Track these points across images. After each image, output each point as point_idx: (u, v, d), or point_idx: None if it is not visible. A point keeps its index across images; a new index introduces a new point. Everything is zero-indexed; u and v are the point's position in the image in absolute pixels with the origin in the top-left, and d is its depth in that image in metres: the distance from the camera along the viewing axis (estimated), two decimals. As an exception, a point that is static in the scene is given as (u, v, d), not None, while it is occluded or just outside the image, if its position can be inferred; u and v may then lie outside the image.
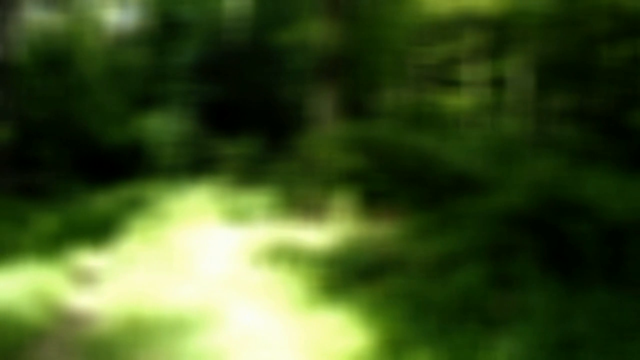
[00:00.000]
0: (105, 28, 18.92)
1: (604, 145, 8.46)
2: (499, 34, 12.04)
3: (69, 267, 8.32)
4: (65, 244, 9.16)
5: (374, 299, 6.51)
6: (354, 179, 10.20)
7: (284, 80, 17.65)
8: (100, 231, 10.25)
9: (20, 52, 15.08)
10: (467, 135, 10.50)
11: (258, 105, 17.96)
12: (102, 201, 12.48)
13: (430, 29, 13.21)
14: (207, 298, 6.55)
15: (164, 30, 18.53)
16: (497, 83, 12.38)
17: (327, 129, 12.93)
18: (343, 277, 7.19)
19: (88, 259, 9.00)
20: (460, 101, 12.32)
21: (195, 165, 16.00)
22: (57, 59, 15.89)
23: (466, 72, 13.05)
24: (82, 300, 7.32)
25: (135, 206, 11.50)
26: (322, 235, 9.06)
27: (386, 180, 10.04)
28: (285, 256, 8.05)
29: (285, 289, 6.93)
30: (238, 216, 10.70)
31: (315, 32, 13.85)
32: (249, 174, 14.31)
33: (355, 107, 13.80)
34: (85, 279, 8.13)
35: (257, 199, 11.50)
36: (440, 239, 7.97)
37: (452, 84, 13.12)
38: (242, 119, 17.68)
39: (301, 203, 10.70)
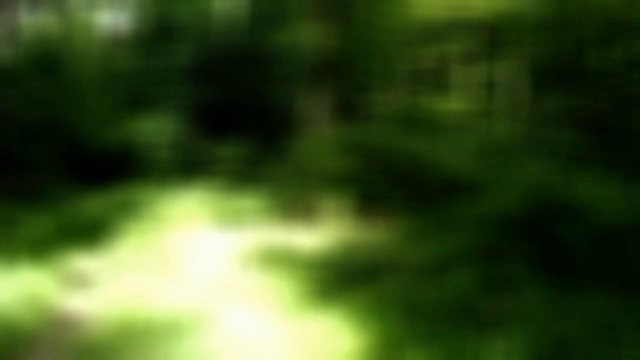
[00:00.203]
0: (98, 30, 18.83)
1: (597, 148, 8.48)
2: (491, 36, 12.07)
3: (61, 270, 8.26)
4: (56, 247, 9.09)
5: (367, 302, 6.50)
6: (348, 182, 10.20)
7: (276, 82, 17.63)
8: (92, 234, 10.18)
9: (11, 54, 15.00)
10: (460, 138, 10.50)
11: (250, 108, 17.91)
12: (94, 204, 12.40)
13: (423, 31, 13.21)
14: (200, 302, 6.52)
15: (156, 33, 18.48)
16: (490, 86, 12.41)
17: (321, 132, 12.92)
18: (336, 281, 7.19)
19: (80, 262, 8.94)
20: (453, 104, 12.34)
21: (187, 168, 15.95)
22: (48, 61, 15.81)
23: (459, 75, 13.07)
24: (74, 303, 7.26)
25: (128, 209, 11.44)
26: (315, 237, 9.05)
27: (380, 183, 10.04)
28: (278, 259, 8.04)
29: (278, 292, 6.91)
30: (231, 219, 10.67)
31: (309, 34, 13.84)
32: (242, 176, 14.28)
33: (348, 110, 13.80)
34: (77, 282, 8.08)
35: (250, 202, 11.48)
36: (433, 242, 7.99)
37: (445, 86, 13.13)
38: (234, 121, 17.63)
39: (295, 205, 10.68)
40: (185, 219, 10.48)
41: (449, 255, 7.43)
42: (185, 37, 18.40)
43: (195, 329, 5.80)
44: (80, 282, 8.09)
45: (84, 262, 8.97)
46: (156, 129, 16.49)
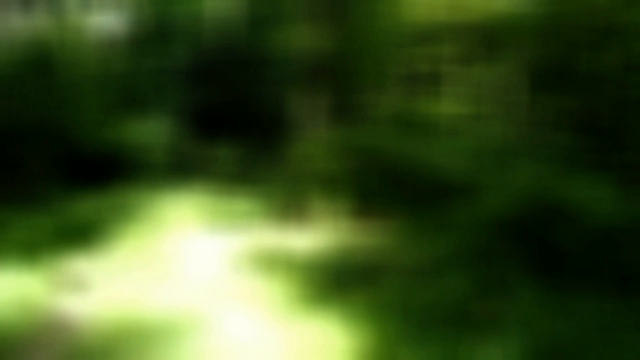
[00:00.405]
0: (93, 32, 18.77)
1: (592, 151, 8.50)
2: (487, 39, 12.08)
3: (55, 273, 8.22)
4: (50, 250, 9.05)
5: (362, 304, 6.49)
6: (344, 184, 10.19)
7: (271, 84, 17.61)
8: (86, 236, 10.13)
9: (4, 56, 14.92)
10: (456, 140, 10.51)
11: (245, 110, 17.88)
12: (88, 206, 12.33)
13: (419, 34, 13.21)
14: (196, 304, 6.51)
15: (151, 35, 18.43)
16: (486, 88, 12.41)
17: (316, 134, 12.91)
18: (331, 283, 7.17)
19: (74, 264, 8.89)
20: (448, 107, 12.34)
21: (182, 170, 15.90)
22: (41, 63, 15.75)
23: (455, 78, 13.07)
24: (68, 306, 7.22)
25: (122, 211, 11.40)
26: (311, 240, 9.04)
27: (375, 186, 10.03)
28: (273, 262, 8.02)
29: (274, 294, 6.90)
30: (226, 221, 10.64)
31: (304, 36, 13.83)
32: (237, 178, 14.25)
33: (344, 112, 13.79)
34: (71, 284, 8.03)
35: (245, 204, 11.45)
36: (428, 245, 7.98)
37: (440, 89, 13.13)
38: (229, 123, 17.60)
39: (290, 208, 10.67)
40: (180, 221, 10.44)
41: (444, 258, 7.43)
42: (180, 39, 18.36)
43: (191, 332, 5.79)
44: (74, 284, 8.04)
45: (78, 264, 8.92)
46: (151, 131, 16.43)
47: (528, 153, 9.25)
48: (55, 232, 10.16)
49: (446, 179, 9.40)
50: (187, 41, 18.55)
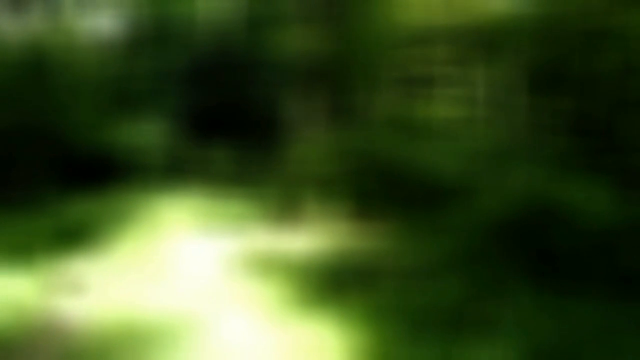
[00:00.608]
0: (87, 33, 18.73)
1: (588, 154, 8.52)
2: (483, 41, 12.11)
3: (49, 276, 8.18)
4: (44, 252, 9.01)
5: (358, 307, 6.49)
6: (340, 187, 10.19)
7: (267, 86, 17.61)
8: (80, 239, 10.09)
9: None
10: (452, 143, 10.52)
11: (241, 112, 17.87)
12: (82, 208, 12.30)
13: (415, 36, 13.24)
14: (191, 307, 6.49)
15: (146, 37, 18.40)
16: (482, 91, 12.44)
17: (312, 136, 12.91)
18: (326, 286, 7.17)
19: (69, 267, 8.85)
20: (444, 110, 12.35)
21: (178, 172, 15.88)
22: (33, 65, 15.71)
23: (451, 80, 13.09)
24: (63, 309, 7.18)
25: (117, 214, 11.36)
26: (306, 242, 9.03)
27: (372, 188, 10.03)
28: (269, 264, 8.01)
29: (269, 297, 6.88)
30: (222, 223, 10.62)
31: (300, 39, 13.84)
32: (233, 181, 14.24)
33: (340, 114, 13.79)
34: (66, 288, 7.99)
35: (241, 206, 11.43)
36: (424, 248, 7.99)
37: (437, 92, 13.15)
38: (224, 125, 17.59)
39: (286, 210, 10.66)
40: (176, 223, 10.42)
41: (440, 260, 7.43)
42: (177, 41, 18.35)
43: (187, 334, 5.76)
44: (70, 287, 8.00)
45: (74, 267, 8.88)
46: (147, 133, 16.41)
47: (525, 155, 9.26)
48: (50, 235, 10.13)
49: (443, 182, 9.41)
50: (183, 43, 18.55)
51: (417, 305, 6.48)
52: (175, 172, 15.96)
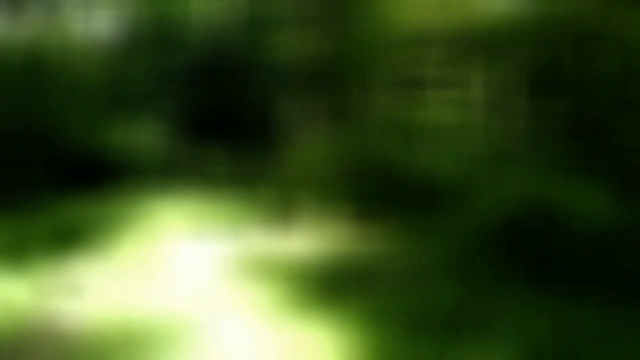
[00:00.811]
0: (82, 34, 18.73)
1: (585, 157, 8.52)
2: (481, 44, 12.11)
3: (42, 278, 8.12)
4: (37, 254, 8.97)
5: (352, 311, 6.49)
6: (338, 190, 10.19)
7: (263, 88, 17.62)
8: (75, 241, 10.06)
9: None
10: (450, 145, 10.54)
11: (238, 113, 17.89)
12: (77, 210, 12.26)
13: (413, 38, 13.25)
14: (188, 310, 6.49)
15: (143, 38, 18.41)
16: (480, 94, 12.44)
17: (310, 139, 12.91)
18: (322, 289, 7.17)
19: (63, 269, 8.79)
20: (442, 112, 12.35)
21: (174, 174, 15.85)
22: (28, 66, 15.69)
23: (448, 82, 13.08)
24: (57, 312, 7.11)
25: (112, 216, 11.34)
26: (303, 245, 9.03)
27: (369, 192, 10.03)
28: (266, 267, 8.00)
29: (266, 300, 6.87)
30: (219, 225, 10.59)
31: (298, 40, 13.84)
32: (230, 182, 14.21)
33: (338, 116, 13.79)
34: (59, 290, 7.92)
35: (238, 208, 11.41)
36: (420, 251, 8.00)
37: (434, 94, 13.15)
38: (221, 127, 17.59)
39: (283, 212, 10.65)
40: (173, 225, 10.41)
41: (437, 263, 7.44)
42: (173, 42, 18.36)
43: (184, 338, 5.78)
44: (64, 290, 7.94)
45: (68, 269, 8.81)
46: (143, 135, 16.39)
47: (523, 157, 9.26)
48: (46, 236, 10.14)
49: (440, 184, 9.42)
50: (181, 44, 18.57)
51: (414, 308, 6.52)
52: (172, 173, 15.94)
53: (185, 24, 19.22)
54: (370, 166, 10.45)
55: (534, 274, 7.13)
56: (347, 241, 9.19)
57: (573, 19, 9.03)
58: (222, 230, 10.35)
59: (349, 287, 7.21)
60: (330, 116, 13.69)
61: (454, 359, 5.37)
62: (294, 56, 14.11)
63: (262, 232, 10.04)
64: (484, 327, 5.97)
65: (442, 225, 8.69)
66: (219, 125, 17.82)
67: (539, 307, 6.40)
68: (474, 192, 8.80)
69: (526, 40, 10.38)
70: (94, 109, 16.38)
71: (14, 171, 14.82)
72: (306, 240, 9.32)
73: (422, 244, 8.46)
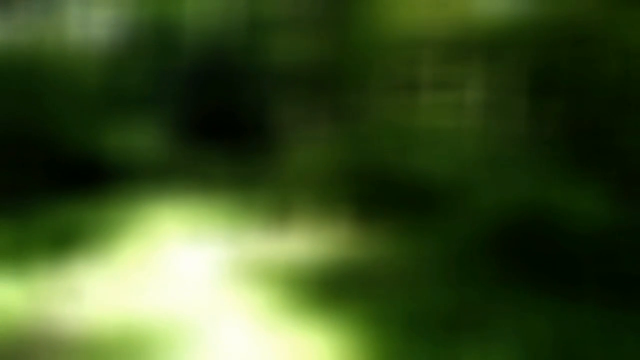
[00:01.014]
0: (78, 37, 18.71)
1: (583, 161, 8.52)
2: (480, 48, 12.12)
3: (35, 283, 8.08)
4: (31, 258, 8.93)
5: (350, 314, 6.47)
6: (336, 193, 10.18)
7: (261, 90, 17.62)
8: (69, 245, 10.02)
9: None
10: (447, 149, 10.54)
11: (235, 116, 17.87)
12: (72, 214, 12.23)
13: (410, 42, 13.26)
14: (186, 315, 6.44)
15: (139, 40, 18.40)
16: (477, 97, 12.45)
17: (308, 141, 12.90)
18: (319, 293, 7.14)
19: (57, 274, 8.75)
20: (441, 115, 12.36)
21: (171, 177, 15.82)
22: (22, 68, 15.67)
23: (446, 86, 13.10)
24: (52, 317, 7.07)
25: (107, 219, 11.30)
26: (300, 248, 9.01)
27: (368, 195, 10.03)
28: (263, 271, 7.97)
29: (264, 304, 6.84)
30: (216, 228, 10.57)
31: (296, 44, 13.84)
32: (227, 185, 14.19)
33: (336, 118, 13.79)
34: (54, 295, 7.88)
35: (235, 211, 11.39)
36: (419, 254, 8.00)
37: (432, 97, 13.16)
38: (218, 130, 17.57)
39: (281, 215, 10.63)
40: (170, 228, 10.38)
41: (436, 266, 7.44)
42: (170, 45, 18.35)
43: (182, 342, 5.75)
44: (60, 294, 7.90)
45: (64, 274, 8.78)
46: (139, 138, 16.36)
47: (521, 159, 9.26)
48: (42, 240, 10.10)
49: (439, 187, 9.41)
50: (178, 47, 18.55)
51: (413, 311, 6.53)
52: (170, 177, 15.91)
53: (182, 26, 19.21)
54: (368, 169, 10.44)
55: (533, 276, 7.12)
56: (345, 244, 9.17)
57: (572, 21, 9.03)
58: (220, 233, 10.33)
59: (347, 290, 7.20)
60: (328, 119, 13.68)
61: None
62: (292, 59, 14.10)
63: (260, 235, 10.02)
64: (483, 329, 5.97)
65: (441, 227, 8.68)
66: (216, 128, 17.80)
67: (537, 310, 6.41)
68: (472, 194, 8.80)
69: (525, 42, 10.38)
70: (91, 112, 16.35)
71: (12, 175, 14.78)
72: (304, 243, 9.30)
73: (420, 246, 8.46)
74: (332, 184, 10.44)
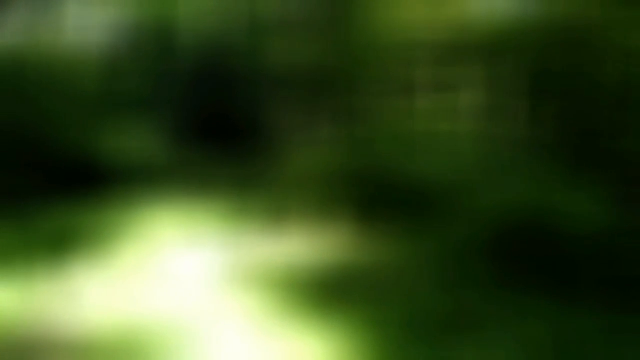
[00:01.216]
0: (74, 39, 18.71)
1: (582, 166, 8.53)
2: (482, 49, 12.13)
3: (29, 286, 8.05)
4: (25, 261, 8.90)
5: (348, 318, 6.44)
6: (334, 196, 10.19)
7: (259, 93, 17.63)
8: (64, 248, 9.99)
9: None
10: (445, 153, 10.56)
11: (232, 118, 17.89)
12: (66, 216, 12.21)
13: (408, 47, 13.27)
14: (183, 319, 6.42)
15: (136, 42, 18.41)
16: (476, 101, 12.46)
17: (306, 144, 12.90)
18: (315, 297, 7.13)
19: (52, 277, 8.72)
20: (438, 120, 12.36)
21: (166, 178, 15.81)
22: (15, 70, 15.67)
23: (446, 86, 13.10)
24: (46, 321, 7.04)
25: (102, 222, 11.28)
26: (299, 251, 9.00)
27: (366, 199, 10.05)
28: (262, 274, 7.97)
29: (262, 308, 6.84)
30: (214, 231, 10.56)
31: (293, 47, 13.85)
32: (226, 188, 14.19)
33: (334, 120, 13.79)
34: (48, 298, 7.85)
35: (234, 214, 11.38)
36: (417, 258, 8.00)
37: (430, 101, 13.17)
38: (216, 132, 17.58)
39: (280, 218, 10.63)
40: (166, 231, 10.37)
41: (433, 270, 7.44)
42: (166, 47, 18.36)
43: (179, 347, 5.72)
44: (56, 299, 7.87)
45: (59, 277, 8.75)
46: (135, 140, 16.35)
47: (520, 163, 9.26)
48: (38, 243, 10.07)
49: (436, 190, 9.42)
50: (175, 49, 18.56)
51: (412, 314, 6.51)
52: (167, 179, 15.90)
53: (181, 28, 19.22)
54: (367, 172, 10.44)
55: (532, 279, 7.13)
56: (343, 247, 9.17)
57: (571, 23, 9.03)
58: (218, 236, 10.32)
59: (346, 293, 7.20)
60: (327, 121, 13.68)
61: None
62: (290, 61, 14.10)
63: (259, 238, 10.01)
64: (482, 332, 5.97)
65: (439, 230, 8.69)
66: (215, 130, 17.81)
67: (536, 313, 6.42)
68: (471, 197, 8.80)
69: (523, 44, 10.38)
70: (89, 114, 16.33)
71: (10, 177, 14.75)
72: (302, 247, 9.30)
73: (419, 249, 8.47)
74: (331, 186, 10.44)
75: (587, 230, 7.21)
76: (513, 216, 7.84)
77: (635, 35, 8.18)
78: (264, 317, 6.56)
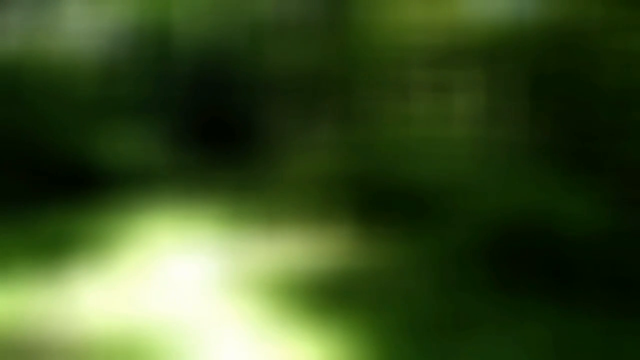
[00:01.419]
0: (70, 42, 18.70)
1: (581, 170, 8.53)
2: (481, 53, 12.14)
3: (23, 291, 8.03)
4: (20, 267, 8.88)
5: (342, 324, 6.44)
6: (333, 199, 10.19)
7: (255, 96, 17.63)
8: (59, 253, 9.96)
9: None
10: (445, 154, 10.56)
11: (230, 121, 17.88)
12: (61, 221, 12.18)
13: (408, 47, 13.28)
14: (180, 324, 6.40)
15: (133, 45, 18.41)
16: (477, 102, 12.47)
17: (304, 147, 12.89)
18: (313, 302, 7.13)
19: (47, 282, 8.70)
20: (437, 125, 12.36)
21: (162, 183, 15.79)
22: (9, 74, 15.66)
23: (445, 88, 13.11)
24: (39, 328, 7.02)
25: (97, 227, 11.26)
26: (297, 255, 8.99)
27: (364, 203, 10.05)
28: (259, 279, 7.96)
29: (261, 314, 6.81)
30: (209, 235, 10.54)
31: (292, 50, 13.86)
32: (222, 191, 14.18)
33: (333, 123, 13.79)
34: (43, 305, 7.83)
35: (231, 218, 11.37)
36: (415, 259, 8.00)
37: (428, 106, 13.17)
38: (213, 135, 17.57)
39: (277, 222, 10.62)
40: (162, 236, 10.35)
41: (431, 273, 7.44)
42: (162, 50, 18.36)
43: (175, 353, 5.69)
44: (50, 304, 7.85)
45: (54, 282, 8.73)
46: (130, 144, 16.33)
47: (518, 166, 9.26)
48: (32, 248, 10.04)
49: (434, 193, 9.42)
50: (171, 52, 18.55)
51: (410, 318, 6.51)
52: (164, 183, 15.88)
53: (178, 32, 19.22)
54: (365, 175, 10.44)
55: (530, 282, 7.13)
56: (341, 251, 9.17)
57: (570, 25, 9.04)
58: (216, 240, 10.30)
59: (344, 298, 7.19)
60: (324, 125, 13.67)
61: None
62: (287, 65, 14.10)
63: (257, 242, 10.00)
64: (480, 335, 5.96)
65: (437, 233, 8.69)
66: (212, 135, 17.80)
67: (535, 316, 6.41)
68: (469, 200, 8.80)
69: (522, 47, 10.39)
70: (85, 118, 16.31)
71: (5, 181, 14.73)
72: (300, 251, 9.29)
73: (417, 253, 8.47)
74: (329, 190, 10.43)
75: (585, 233, 7.22)
76: (511, 219, 7.84)
77: (634, 39, 8.19)
78: (262, 321, 6.55)
